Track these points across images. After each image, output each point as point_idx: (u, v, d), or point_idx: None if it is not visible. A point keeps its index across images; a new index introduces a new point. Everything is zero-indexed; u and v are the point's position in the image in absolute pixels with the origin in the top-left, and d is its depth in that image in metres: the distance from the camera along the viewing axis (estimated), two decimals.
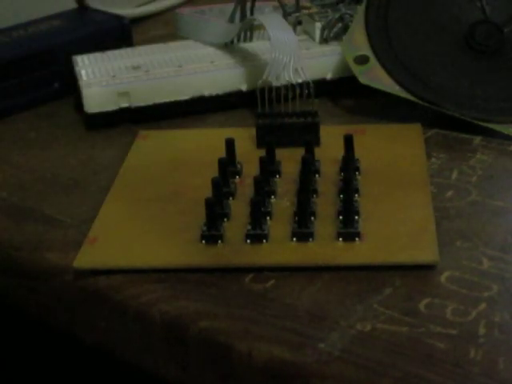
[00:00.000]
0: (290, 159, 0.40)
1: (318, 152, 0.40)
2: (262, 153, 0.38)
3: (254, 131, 0.42)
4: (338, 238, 0.34)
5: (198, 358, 0.31)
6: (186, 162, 0.41)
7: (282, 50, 0.42)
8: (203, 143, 0.43)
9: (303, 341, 0.29)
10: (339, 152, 0.39)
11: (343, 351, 0.29)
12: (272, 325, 0.30)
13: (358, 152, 0.39)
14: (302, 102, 0.42)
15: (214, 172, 0.37)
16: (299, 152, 0.38)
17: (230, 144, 0.39)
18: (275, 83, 0.42)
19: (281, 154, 0.39)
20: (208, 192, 0.35)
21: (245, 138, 0.42)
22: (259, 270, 0.33)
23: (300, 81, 0.42)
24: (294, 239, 0.34)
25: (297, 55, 0.42)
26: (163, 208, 0.37)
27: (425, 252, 0.33)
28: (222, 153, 0.39)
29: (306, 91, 0.42)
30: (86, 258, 0.34)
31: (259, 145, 0.42)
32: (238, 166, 0.39)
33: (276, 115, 0.42)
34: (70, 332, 0.35)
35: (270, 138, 0.39)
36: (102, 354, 0.35)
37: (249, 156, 0.40)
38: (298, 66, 0.42)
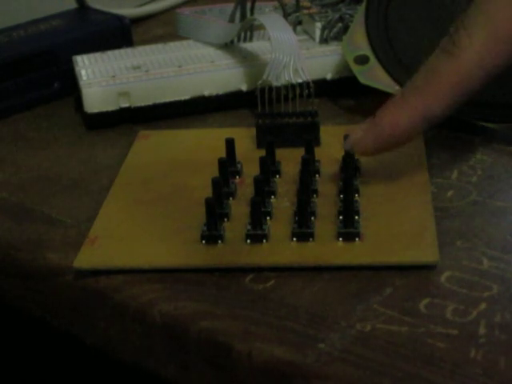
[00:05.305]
0: (289, 159, 0.40)
1: (318, 152, 0.40)
2: (262, 153, 0.38)
3: (254, 131, 0.42)
4: (338, 237, 0.34)
5: (198, 358, 0.31)
6: (186, 161, 0.41)
7: (282, 50, 0.42)
8: (203, 143, 0.43)
9: (303, 341, 0.29)
10: (339, 152, 0.39)
11: (343, 351, 0.29)
12: (272, 325, 0.30)
13: None
14: (302, 101, 0.42)
15: (214, 172, 0.37)
16: (299, 152, 0.38)
17: (230, 144, 0.39)
18: (275, 83, 0.42)
19: (281, 154, 0.39)
20: (208, 192, 0.35)
21: (245, 138, 0.42)
22: (259, 270, 0.33)
23: (300, 81, 0.42)
24: (294, 239, 0.34)
25: (297, 55, 0.42)
26: (163, 208, 0.37)
27: (425, 252, 0.33)
28: (222, 153, 0.39)
29: (306, 91, 0.42)
30: (86, 258, 0.34)
31: (259, 145, 0.42)
32: (238, 165, 0.39)
33: (276, 115, 0.42)
34: (70, 332, 0.35)
35: (270, 138, 0.39)
36: (101, 354, 0.35)
37: (249, 156, 0.40)
38: (298, 66, 0.42)
